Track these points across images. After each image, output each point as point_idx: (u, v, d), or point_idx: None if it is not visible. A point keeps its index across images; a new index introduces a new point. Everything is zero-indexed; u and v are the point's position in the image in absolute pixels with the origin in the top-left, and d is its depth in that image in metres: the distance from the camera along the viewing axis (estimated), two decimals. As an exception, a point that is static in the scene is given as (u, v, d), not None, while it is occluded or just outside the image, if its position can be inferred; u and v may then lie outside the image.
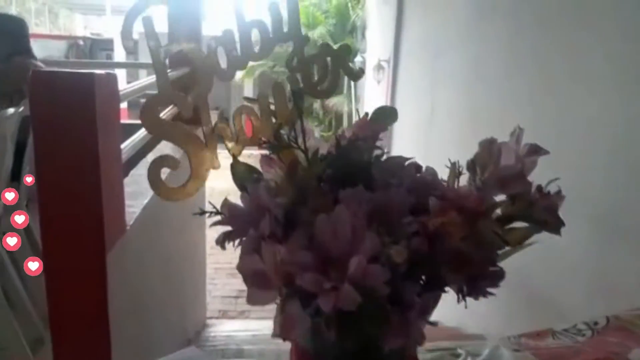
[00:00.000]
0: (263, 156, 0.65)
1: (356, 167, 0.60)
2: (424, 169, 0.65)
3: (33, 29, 12.18)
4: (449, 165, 0.69)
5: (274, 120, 0.73)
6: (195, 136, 0.68)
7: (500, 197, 0.62)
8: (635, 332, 1.21)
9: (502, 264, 0.59)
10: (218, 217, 0.63)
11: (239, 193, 0.65)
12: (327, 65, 0.74)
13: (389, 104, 5.64)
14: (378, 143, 0.65)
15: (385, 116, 0.68)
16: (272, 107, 0.72)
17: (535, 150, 0.63)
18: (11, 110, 2.29)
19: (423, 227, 0.55)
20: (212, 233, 0.68)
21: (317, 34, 8.70)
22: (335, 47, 0.73)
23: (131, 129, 2.38)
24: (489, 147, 0.62)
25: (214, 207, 0.62)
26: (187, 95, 0.67)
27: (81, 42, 13.07)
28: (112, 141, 1.77)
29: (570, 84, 2.21)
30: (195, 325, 4.22)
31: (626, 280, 1.85)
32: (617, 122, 1.90)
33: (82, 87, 1.56)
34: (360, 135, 0.64)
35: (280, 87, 0.71)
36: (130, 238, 1.93)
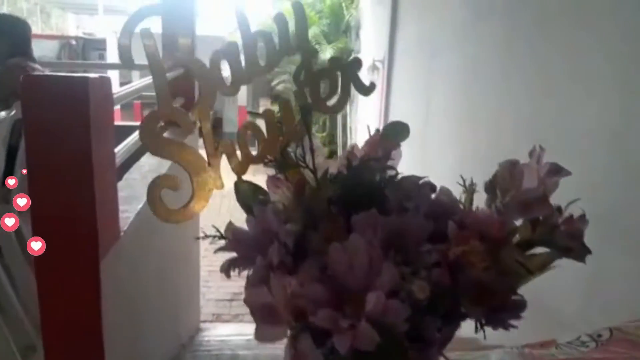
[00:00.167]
0: (270, 176, 0.62)
1: (369, 189, 0.56)
2: (438, 188, 0.62)
3: (25, 28, 12.09)
4: (462, 182, 0.66)
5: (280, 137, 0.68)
6: (198, 155, 0.64)
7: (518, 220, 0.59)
8: (640, 344, 1.20)
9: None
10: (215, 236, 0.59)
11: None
12: (337, 79, 0.70)
13: (383, 104, 5.61)
14: (390, 162, 0.61)
15: (397, 133, 0.65)
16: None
17: (556, 171, 0.59)
18: (3, 113, 2.25)
19: (443, 257, 0.51)
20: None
21: (310, 33, 8.65)
22: (343, 59, 0.68)
23: (123, 130, 2.35)
24: (510, 170, 0.58)
25: (218, 230, 0.58)
26: (186, 111, 0.63)
27: (73, 42, 12.96)
28: (105, 145, 1.73)
29: (568, 84, 2.19)
30: (189, 329, 4.17)
31: (624, 283, 1.83)
32: (616, 122, 1.88)
33: (76, 91, 1.53)
34: (372, 154, 0.60)
35: (287, 102, 0.67)
36: (124, 244, 1.90)
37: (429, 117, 4.17)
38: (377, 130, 0.65)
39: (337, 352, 0.46)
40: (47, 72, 3.07)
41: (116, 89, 2.34)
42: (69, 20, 13.74)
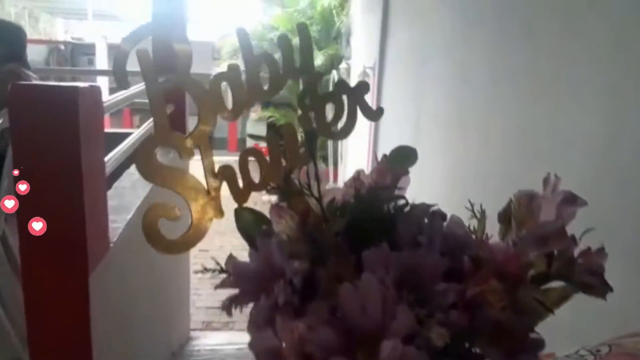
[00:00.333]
0: (273, 205, 0.58)
1: (378, 221, 0.53)
2: (448, 217, 0.59)
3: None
4: (470, 207, 0.63)
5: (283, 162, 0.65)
6: (197, 182, 0.61)
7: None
8: (640, 358, 1.18)
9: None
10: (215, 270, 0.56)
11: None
12: (343, 103, 0.67)
13: (374, 111, 5.57)
14: (399, 191, 0.58)
15: (404, 158, 0.62)
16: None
17: (572, 200, 0.56)
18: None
19: (461, 297, 0.48)
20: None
21: (301, 40, 8.64)
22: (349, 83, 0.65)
23: (113, 137, 2.32)
24: (527, 203, 0.55)
25: (218, 263, 0.55)
26: (185, 135, 0.60)
27: (62, 47, 12.88)
28: (95, 155, 1.70)
29: (557, 90, 2.19)
30: (179, 338, 4.13)
31: (617, 292, 1.81)
32: (605, 128, 1.88)
33: (66, 100, 1.50)
34: (381, 182, 0.57)
35: (291, 127, 0.64)
36: (114, 256, 1.86)
37: (420, 123, 4.16)
38: (384, 155, 0.62)
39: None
40: (38, 79, 3.03)
41: (106, 95, 2.31)
42: (58, 25, 13.64)
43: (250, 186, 0.64)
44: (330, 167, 8.28)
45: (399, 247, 0.52)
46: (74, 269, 1.57)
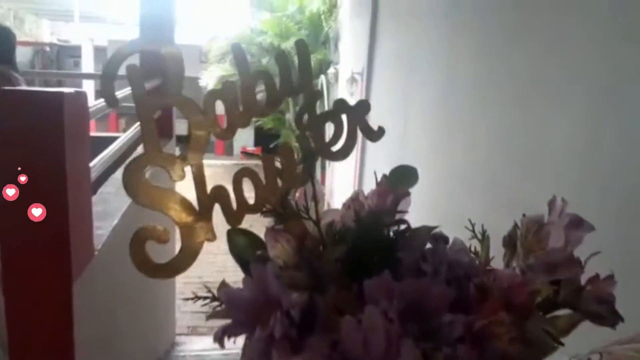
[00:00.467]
0: (268, 229, 0.55)
1: (380, 247, 0.51)
2: (451, 240, 0.56)
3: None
4: (470, 227, 0.61)
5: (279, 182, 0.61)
6: (187, 204, 0.58)
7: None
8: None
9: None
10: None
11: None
12: (342, 123, 0.64)
13: (363, 116, 5.55)
14: (400, 215, 0.56)
15: (405, 178, 0.59)
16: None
17: (578, 224, 0.54)
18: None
19: (468, 329, 0.46)
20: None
21: (290, 44, 8.61)
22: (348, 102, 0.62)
23: (98, 141, 2.28)
24: (535, 228, 0.53)
25: (210, 290, 0.52)
26: (176, 156, 0.57)
27: (47, 49, 12.78)
28: (80, 161, 1.67)
29: (540, 95, 2.21)
30: (164, 343, 4.09)
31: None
32: (588, 135, 1.88)
33: (51, 106, 1.47)
34: (381, 206, 0.55)
35: (288, 146, 0.60)
36: (98, 264, 1.83)
37: (407, 128, 4.16)
38: (384, 175, 0.59)
39: None
40: (25, 82, 2.99)
41: (92, 98, 2.28)
42: (44, 27, 13.51)
43: (245, 208, 0.61)
44: (318, 171, 8.26)
45: (400, 274, 0.49)
46: (57, 277, 1.53)
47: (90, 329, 1.74)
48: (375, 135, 0.64)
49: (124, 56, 0.55)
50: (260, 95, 0.61)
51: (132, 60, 0.59)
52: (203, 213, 0.59)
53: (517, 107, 2.42)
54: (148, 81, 1.93)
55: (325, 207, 0.62)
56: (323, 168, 8.24)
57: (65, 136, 1.46)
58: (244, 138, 10.19)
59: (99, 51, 11.95)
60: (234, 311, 0.51)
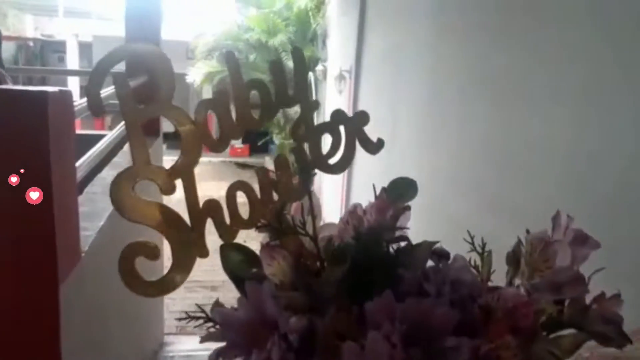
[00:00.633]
0: (264, 246, 0.53)
1: (381, 266, 0.49)
2: (452, 257, 0.54)
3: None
4: (469, 240, 0.59)
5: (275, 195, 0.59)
6: (179, 218, 0.55)
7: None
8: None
9: None
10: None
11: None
12: (340, 135, 0.61)
13: (351, 112, 5.54)
14: (400, 232, 0.54)
15: (404, 191, 0.57)
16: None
17: (583, 239, 0.53)
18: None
19: (473, 354, 0.44)
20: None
21: (277, 41, 8.57)
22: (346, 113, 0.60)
23: (84, 139, 2.25)
24: (541, 247, 0.51)
25: (203, 311, 0.50)
26: (166, 168, 0.54)
27: (31, 44, 12.65)
28: (66, 161, 1.64)
29: (523, 98, 2.23)
30: (153, 343, 4.05)
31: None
32: (568, 136, 1.91)
33: (35, 106, 1.44)
34: (381, 221, 0.52)
35: (283, 157, 0.58)
36: (85, 266, 1.80)
37: (396, 126, 4.16)
38: (383, 189, 0.57)
39: None
40: (11, 79, 2.96)
41: (77, 95, 2.24)
42: (27, 22, 13.36)
43: (238, 223, 0.58)
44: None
45: (402, 293, 0.47)
46: (43, 280, 1.50)
47: (77, 333, 1.71)
48: (374, 147, 0.61)
49: (112, 62, 0.53)
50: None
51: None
52: (195, 228, 0.56)
53: (498, 108, 2.45)
54: (133, 79, 1.90)
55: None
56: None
57: (50, 137, 1.42)
58: (232, 135, 10.11)
59: (83, 47, 11.85)
60: (229, 333, 0.49)
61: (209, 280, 5.40)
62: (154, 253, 0.55)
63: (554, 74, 2.00)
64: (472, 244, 0.58)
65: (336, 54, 7.07)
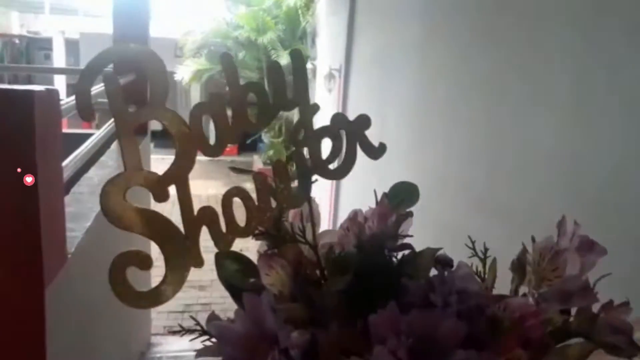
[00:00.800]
0: (262, 255, 0.51)
1: (384, 276, 0.47)
2: (455, 265, 0.52)
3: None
4: (471, 245, 0.57)
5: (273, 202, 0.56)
6: (173, 227, 0.53)
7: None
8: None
9: None
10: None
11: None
12: (341, 139, 0.59)
13: (341, 110, 5.54)
14: (403, 240, 0.51)
15: (405, 197, 0.55)
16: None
17: (590, 247, 0.51)
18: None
19: (483, 369, 0.42)
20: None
21: (266, 39, 8.55)
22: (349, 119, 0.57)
23: (71, 138, 2.22)
24: (550, 256, 0.49)
25: (198, 323, 0.48)
26: (159, 174, 0.52)
27: (17, 41, 12.52)
28: (52, 162, 1.61)
29: (515, 100, 2.24)
30: (140, 344, 4.02)
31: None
32: (555, 137, 1.92)
33: (20, 106, 1.41)
34: (383, 228, 0.50)
35: (282, 162, 0.56)
36: (72, 268, 1.77)
37: (385, 124, 4.16)
38: (385, 194, 0.55)
39: None
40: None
41: (63, 93, 2.21)
42: (13, 19, 13.22)
43: (235, 231, 0.56)
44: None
45: (406, 304, 0.45)
46: (28, 283, 1.48)
47: (63, 337, 1.69)
48: (376, 152, 0.59)
49: (102, 64, 0.50)
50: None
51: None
52: (189, 237, 0.54)
53: (485, 109, 2.45)
54: (122, 77, 1.87)
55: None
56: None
57: (36, 137, 1.40)
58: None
59: (70, 44, 11.74)
60: (226, 347, 0.47)
61: (197, 280, 5.36)
62: (146, 263, 0.53)
63: (540, 76, 2.01)
64: (474, 249, 0.56)
65: (326, 53, 7.05)
